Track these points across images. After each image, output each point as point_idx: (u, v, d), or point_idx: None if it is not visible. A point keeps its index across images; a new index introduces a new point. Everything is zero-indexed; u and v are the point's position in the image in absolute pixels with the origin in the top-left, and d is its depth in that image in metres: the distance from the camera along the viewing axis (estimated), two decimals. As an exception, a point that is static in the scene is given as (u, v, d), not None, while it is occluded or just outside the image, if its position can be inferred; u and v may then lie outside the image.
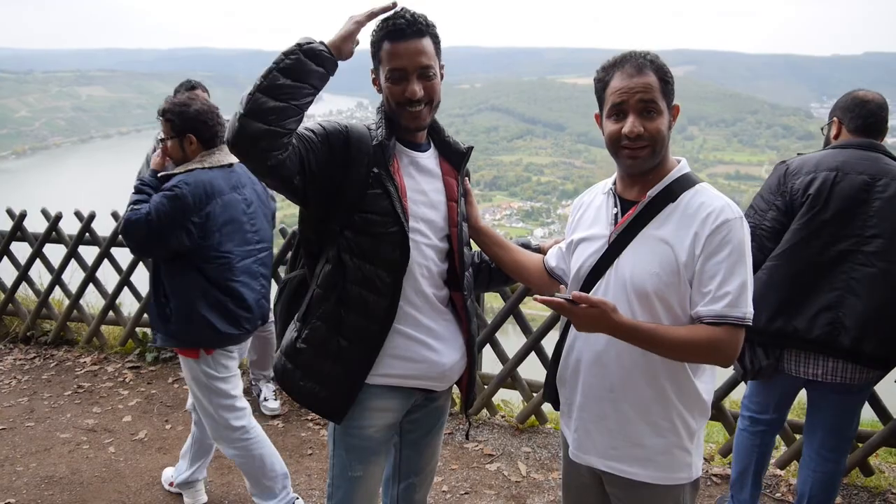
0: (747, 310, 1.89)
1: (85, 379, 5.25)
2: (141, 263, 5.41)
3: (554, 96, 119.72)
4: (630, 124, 1.93)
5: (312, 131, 2.06)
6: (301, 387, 2.22)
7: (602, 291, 2.03)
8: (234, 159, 3.12)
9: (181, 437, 4.41)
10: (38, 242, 5.60)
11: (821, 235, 2.83)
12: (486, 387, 4.58)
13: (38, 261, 5.68)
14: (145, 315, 5.52)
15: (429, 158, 2.26)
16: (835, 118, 3.05)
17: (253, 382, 4.86)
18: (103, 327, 5.72)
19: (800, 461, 3.31)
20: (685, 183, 2.00)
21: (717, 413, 4.10)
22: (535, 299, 2.05)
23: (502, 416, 4.67)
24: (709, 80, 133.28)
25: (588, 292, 2.02)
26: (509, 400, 4.96)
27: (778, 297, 2.90)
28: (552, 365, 2.27)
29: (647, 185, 2.02)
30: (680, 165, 2.05)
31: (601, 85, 2.03)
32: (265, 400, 4.72)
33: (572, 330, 2.13)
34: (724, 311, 1.87)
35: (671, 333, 1.89)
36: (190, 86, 3.79)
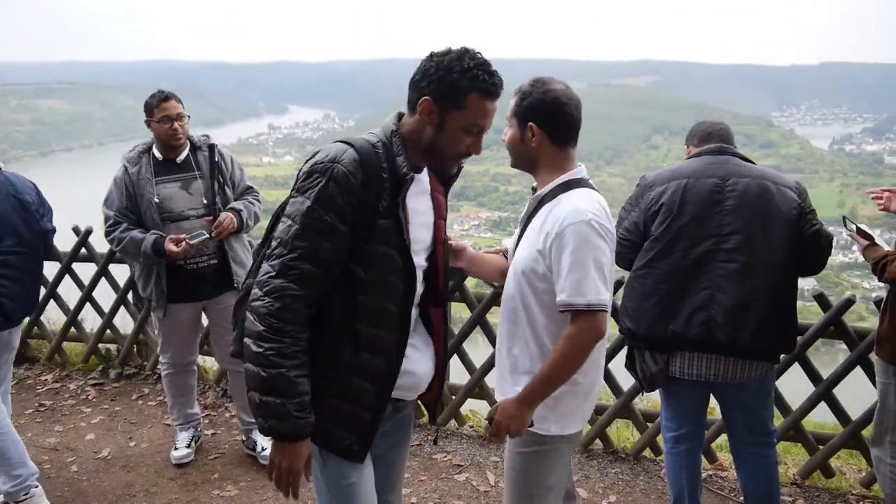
0: (591, 297, 2.16)
1: (46, 397, 5.15)
2: (104, 279, 5.34)
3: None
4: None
5: (329, 239, 1.93)
6: (325, 431, 2.08)
7: (510, 269, 2.42)
8: None
9: (146, 455, 4.36)
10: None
11: (681, 240, 2.98)
12: (453, 397, 4.58)
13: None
14: (108, 331, 5.44)
15: (424, 176, 2.20)
16: (686, 146, 3.33)
17: (244, 438, 4.33)
18: (65, 344, 5.63)
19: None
20: (568, 186, 2.34)
21: (797, 434, 4.05)
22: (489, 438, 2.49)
23: (470, 427, 4.68)
24: (671, 90, 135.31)
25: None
26: (477, 410, 4.96)
27: (652, 304, 3.04)
28: None
29: (542, 186, 2.40)
30: (572, 171, 2.38)
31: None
32: (263, 450, 4.17)
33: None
34: (570, 299, 2.18)
35: (545, 365, 2.22)
36: (163, 97, 3.72)
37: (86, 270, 5.41)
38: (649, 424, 4.25)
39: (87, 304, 5.44)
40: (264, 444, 4.17)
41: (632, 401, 4.24)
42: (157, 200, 3.76)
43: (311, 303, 1.96)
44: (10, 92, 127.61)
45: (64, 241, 5.42)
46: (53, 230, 3.99)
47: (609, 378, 4.29)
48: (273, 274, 1.93)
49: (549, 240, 2.24)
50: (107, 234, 3.84)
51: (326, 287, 1.98)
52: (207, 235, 3.71)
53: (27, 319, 4.34)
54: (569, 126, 2.37)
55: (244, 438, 4.33)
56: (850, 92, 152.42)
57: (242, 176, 4.06)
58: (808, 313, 4.59)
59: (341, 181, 1.92)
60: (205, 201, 3.85)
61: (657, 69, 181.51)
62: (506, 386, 2.42)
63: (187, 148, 3.90)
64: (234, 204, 3.93)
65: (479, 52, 2.00)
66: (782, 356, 3.40)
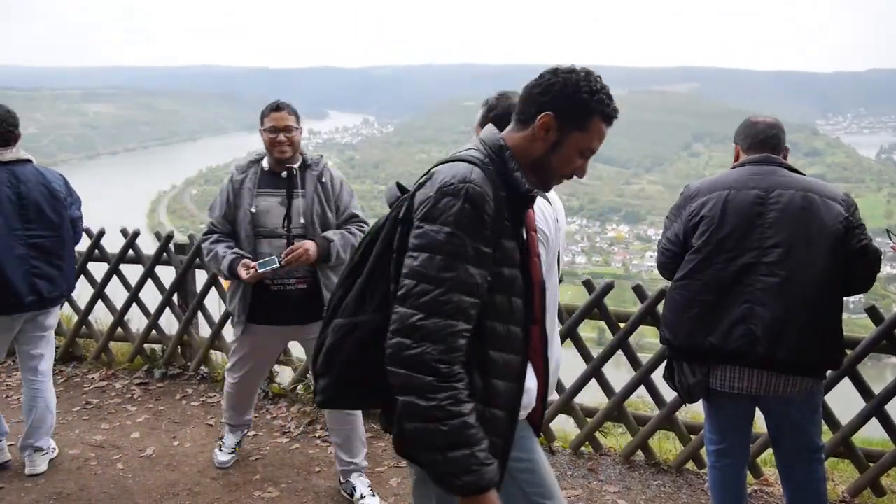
0: None
1: (93, 395, 5.26)
2: (150, 280, 5.44)
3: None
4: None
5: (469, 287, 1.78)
6: None
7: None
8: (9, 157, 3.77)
9: (189, 454, 4.42)
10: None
11: (722, 252, 2.92)
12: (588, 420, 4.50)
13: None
14: (154, 332, 5.54)
15: None
16: (734, 144, 3.22)
17: (342, 480, 3.96)
18: (112, 343, 5.74)
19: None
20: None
21: (846, 450, 3.94)
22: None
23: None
24: (713, 97, 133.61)
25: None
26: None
27: (691, 316, 3.00)
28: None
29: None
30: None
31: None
32: (362, 497, 3.81)
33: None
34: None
35: None
36: (274, 106, 3.72)
37: (133, 272, 5.52)
38: (693, 437, 4.18)
39: (134, 305, 5.55)
40: (364, 490, 3.84)
41: (674, 412, 4.19)
42: (253, 210, 3.63)
43: (466, 335, 1.79)
44: (59, 97, 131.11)
45: (112, 243, 5.55)
46: (80, 218, 4.21)
47: (652, 389, 4.24)
48: (422, 316, 1.74)
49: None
50: (201, 242, 3.86)
51: (476, 315, 1.81)
52: (277, 264, 3.51)
53: (63, 305, 4.46)
54: None
55: (341, 480, 3.95)
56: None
57: (351, 202, 3.82)
58: (855, 326, 4.49)
59: (478, 201, 1.79)
60: (302, 221, 3.65)
61: (698, 76, 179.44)
62: None
63: (297, 164, 3.71)
64: (329, 233, 3.68)
65: (600, 76, 1.95)
66: (829, 371, 3.30)
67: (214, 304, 5.37)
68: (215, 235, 3.73)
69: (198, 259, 5.29)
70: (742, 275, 2.90)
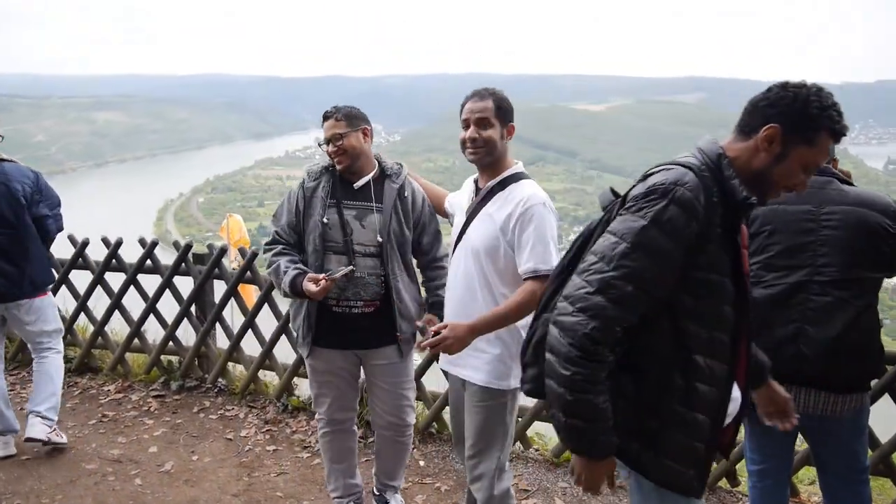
0: (552, 265, 2.69)
1: (109, 407, 5.17)
2: (168, 291, 5.36)
3: (566, 123, 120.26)
4: (469, 132, 2.86)
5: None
6: (665, 467, 1.99)
7: (458, 251, 2.96)
8: None
9: (208, 469, 4.32)
10: (64, 269, 5.56)
11: (771, 269, 2.83)
12: (519, 419, 4.46)
13: (63, 287, 5.64)
14: (171, 343, 5.46)
15: None
16: None
17: (377, 491, 3.81)
18: (128, 355, 5.66)
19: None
20: (514, 178, 2.91)
21: (886, 469, 3.90)
22: (420, 347, 3.05)
23: (536, 450, 4.55)
24: (719, 107, 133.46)
25: (453, 252, 3.00)
26: (543, 433, 4.84)
27: None
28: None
29: (491, 178, 2.92)
30: (516, 166, 2.95)
31: (461, 107, 2.93)
32: None
33: (448, 281, 3.06)
34: (536, 266, 2.73)
35: (503, 306, 2.78)
36: (324, 115, 3.61)
37: (151, 282, 5.44)
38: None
39: (151, 316, 5.47)
40: None
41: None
42: (325, 221, 3.27)
43: (624, 326, 1.86)
44: (69, 105, 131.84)
45: (130, 253, 5.48)
46: (49, 217, 4.26)
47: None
48: (590, 290, 1.84)
49: (514, 219, 2.77)
50: (263, 252, 3.49)
51: (641, 311, 1.87)
52: (350, 269, 3.17)
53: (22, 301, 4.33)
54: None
55: (375, 492, 3.81)
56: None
57: (433, 220, 3.47)
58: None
59: (685, 205, 1.84)
60: (379, 239, 3.28)
61: (706, 86, 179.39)
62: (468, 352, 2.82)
63: (370, 174, 3.35)
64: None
65: (831, 93, 1.93)
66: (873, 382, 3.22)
67: (232, 315, 5.30)
68: (279, 247, 3.35)
69: (217, 269, 5.22)
70: (792, 293, 2.80)
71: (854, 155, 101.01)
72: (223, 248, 5.20)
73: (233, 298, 5.21)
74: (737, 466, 4.09)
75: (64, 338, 5.60)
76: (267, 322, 5.15)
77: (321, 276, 3.12)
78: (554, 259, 2.72)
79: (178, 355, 5.52)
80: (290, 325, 3.86)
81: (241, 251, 5.09)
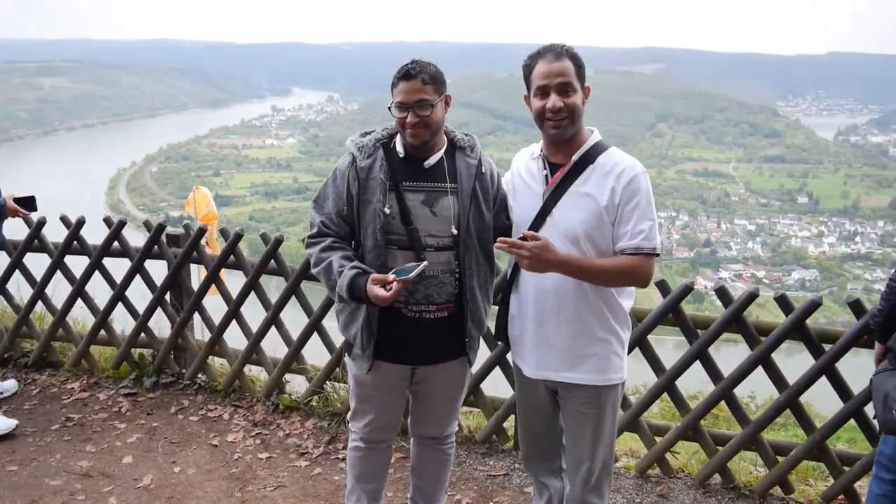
0: (657, 242, 2.54)
1: (74, 409, 4.56)
2: (139, 276, 4.74)
3: (524, 92, 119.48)
4: (552, 100, 2.51)
5: None
6: None
7: (561, 238, 2.58)
8: None
9: (193, 483, 3.79)
10: (17, 251, 4.87)
11: None
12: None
13: (17, 272, 4.97)
14: (143, 334, 4.84)
15: None
16: None
17: None
18: (93, 348, 5.02)
19: None
20: (600, 148, 2.61)
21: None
22: (497, 245, 2.47)
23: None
24: (677, 78, 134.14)
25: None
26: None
27: None
28: (501, 309, 2.84)
29: (570, 151, 2.60)
30: (594, 134, 2.65)
31: (527, 70, 2.60)
32: None
33: (520, 276, 2.71)
34: (641, 243, 2.51)
35: (598, 263, 2.52)
36: (403, 72, 2.79)
37: (118, 266, 4.81)
38: (779, 458, 3.68)
39: (119, 304, 4.83)
40: None
41: (760, 431, 3.67)
42: (386, 211, 2.68)
43: None
44: (13, 70, 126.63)
45: (93, 234, 4.83)
46: None
47: (734, 405, 3.71)
48: None
49: (618, 193, 2.52)
50: (306, 246, 2.82)
51: None
52: (425, 264, 2.59)
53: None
54: None
55: None
56: (857, 83, 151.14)
57: (506, 199, 2.87)
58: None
59: None
60: (454, 231, 2.71)
61: (663, 57, 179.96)
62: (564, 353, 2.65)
63: (442, 148, 2.77)
64: None
65: None
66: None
67: (213, 303, 4.70)
68: (328, 240, 2.75)
69: (195, 253, 4.61)
70: None
71: (806, 126, 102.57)
72: (202, 228, 4.59)
73: (214, 285, 4.61)
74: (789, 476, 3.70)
75: (19, 328, 4.98)
76: (253, 311, 4.59)
77: (390, 276, 2.54)
78: (658, 237, 2.55)
79: (152, 348, 4.90)
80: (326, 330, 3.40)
81: (224, 232, 4.47)
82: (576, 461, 2.77)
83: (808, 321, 3.52)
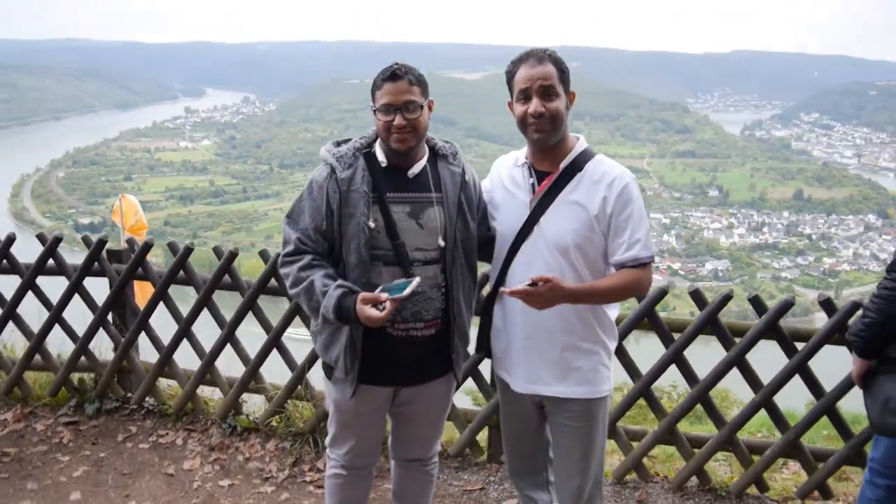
0: (653, 250, 2.53)
1: (8, 442, 4.20)
2: (77, 296, 4.41)
3: (443, 91, 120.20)
4: (534, 105, 2.44)
5: None
6: None
7: (529, 248, 2.54)
8: None
9: (152, 518, 3.52)
10: (-63, 272, 4.46)
11: None
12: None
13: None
14: (83, 358, 4.50)
15: None
16: None
17: None
18: (27, 374, 4.63)
19: None
20: (587, 155, 2.56)
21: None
22: (503, 292, 2.48)
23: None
24: (592, 77, 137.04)
25: (516, 251, 2.56)
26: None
27: None
28: (484, 321, 2.75)
29: (557, 158, 2.54)
30: (581, 141, 2.59)
31: (510, 76, 2.53)
32: None
33: (503, 286, 2.60)
34: (639, 253, 2.46)
35: (604, 285, 2.46)
36: (388, 73, 2.53)
37: (54, 286, 4.46)
38: (755, 457, 3.69)
39: (56, 326, 4.48)
40: None
41: (735, 432, 3.67)
42: (371, 224, 2.50)
43: None
44: None
45: (26, 252, 4.47)
46: None
47: (710, 407, 3.70)
48: None
49: (610, 202, 2.45)
50: (281, 265, 2.61)
51: None
52: (418, 280, 2.41)
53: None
54: None
55: None
56: (760, 79, 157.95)
57: (486, 210, 2.76)
58: None
59: None
60: (441, 243, 2.57)
61: (578, 55, 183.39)
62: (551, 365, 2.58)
63: (424, 156, 2.63)
64: None
65: None
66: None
67: (162, 321, 4.41)
68: (307, 258, 2.54)
69: (140, 269, 4.31)
70: None
71: (715, 122, 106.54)
72: (147, 243, 4.29)
73: (163, 302, 4.32)
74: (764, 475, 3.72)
75: (-58, 357, 4.58)
76: (206, 326, 4.33)
77: (382, 294, 2.36)
78: (652, 242, 2.54)
79: (93, 372, 4.57)
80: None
81: (172, 246, 4.18)
82: (565, 476, 2.71)
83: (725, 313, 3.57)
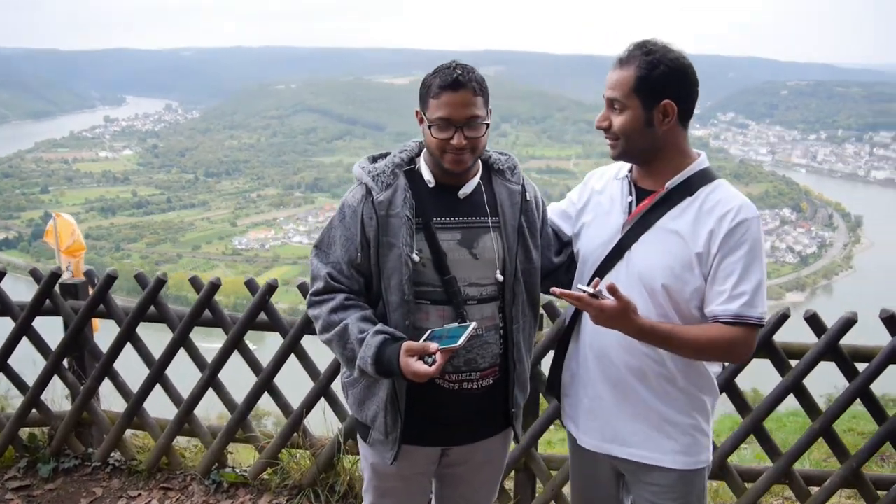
0: (763, 310, 1.99)
1: (-52, 516, 3.56)
2: (25, 338, 3.78)
3: (371, 96, 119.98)
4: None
5: None
6: None
7: (616, 280, 2.01)
8: None
9: None
10: None
11: None
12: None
13: None
14: (34, 410, 3.87)
15: None
16: None
17: None
18: (-34, 432, 3.98)
19: None
20: (705, 177, 2.07)
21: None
22: (553, 292, 1.94)
23: None
24: (518, 80, 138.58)
25: (593, 282, 2.00)
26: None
27: None
28: (557, 360, 2.34)
29: (665, 175, 2.08)
30: (700, 159, 2.10)
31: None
32: None
33: (582, 324, 2.20)
34: (741, 310, 1.96)
35: (686, 334, 1.99)
36: (450, 80, 2.02)
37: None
38: (811, 490, 3.37)
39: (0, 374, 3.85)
40: None
41: (793, 464, 3.35)
42: (415, 258, 2.09)
43: None
44: None
45: None
46: None
47: (764, 437, 3.36)
48: None
49: (718, 239, 1.98)
50: (310, 306, 2.20)
51: None
52: (475, 325, 1.98)
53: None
54: (695, 100, 2.08)
55: None
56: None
57: (551, 235, 2.36)
58: None
59: None
60: (500, 276, 2.15)
61: (503, 59, 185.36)
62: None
63: (477, 172, 2.19)
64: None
65: None
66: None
67: (128, 365, 3.82)
68: (339, 297, 2.12)
69: (101, 306, 3.72)
70: None
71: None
72: (110, 275, 3.70)
73: (130, 342, 3.73)
74: None
75: None
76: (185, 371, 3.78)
77: (430, 343, 1.92)
78: (765, 302, 1.99)
79: (47, 426, 3.94)
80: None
81: (140, 278, 3.61)
82: None
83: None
